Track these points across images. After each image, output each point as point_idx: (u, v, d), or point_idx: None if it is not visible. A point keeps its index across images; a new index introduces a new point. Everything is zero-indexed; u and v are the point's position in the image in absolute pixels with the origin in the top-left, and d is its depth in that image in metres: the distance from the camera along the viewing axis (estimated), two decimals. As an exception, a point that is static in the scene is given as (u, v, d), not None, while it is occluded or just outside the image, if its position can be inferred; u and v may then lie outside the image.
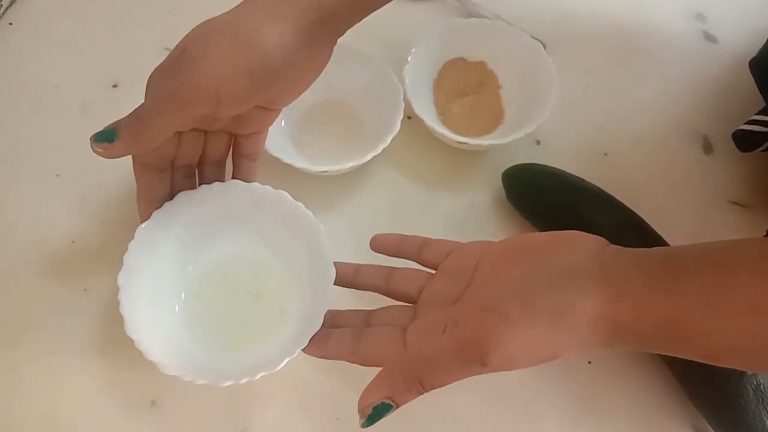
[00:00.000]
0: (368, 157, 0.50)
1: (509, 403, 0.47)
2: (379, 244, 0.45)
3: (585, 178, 0.52)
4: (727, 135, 0.57)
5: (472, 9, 0.62)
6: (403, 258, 0.44)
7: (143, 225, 0.45)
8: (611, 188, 0.51)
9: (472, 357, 0.34)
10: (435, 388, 0.35)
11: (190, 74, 0.38)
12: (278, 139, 0.53)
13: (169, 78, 0.39)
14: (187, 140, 0.44)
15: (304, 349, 0.41)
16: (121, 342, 0.41)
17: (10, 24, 0.61)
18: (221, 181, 0.47)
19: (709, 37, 0.65)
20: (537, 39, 0.57)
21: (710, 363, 0.35)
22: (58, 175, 0.54)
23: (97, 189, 0.53)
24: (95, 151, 0.39)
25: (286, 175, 0.50)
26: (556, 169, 0.53)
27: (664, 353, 0.35)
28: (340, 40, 0.45)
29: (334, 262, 0.44)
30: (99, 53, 0.60)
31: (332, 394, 0.47)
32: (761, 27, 0.56)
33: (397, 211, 0.54)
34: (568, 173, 0.52)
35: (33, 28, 0.61)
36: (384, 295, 0.43)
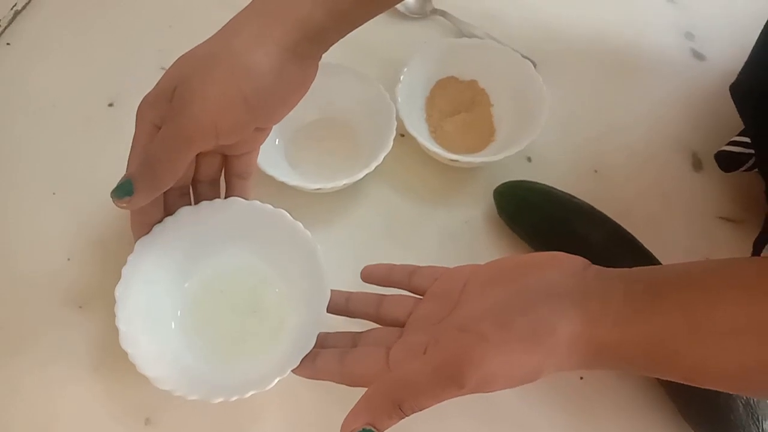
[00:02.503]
0: (361, 175, 0.51)
1: (502, 417, 0.47)
2: (369, 275, 0.45)
3: (576, 195, 0.53)
4: (715, 152, 0.58)
5: (464, 28, 0.63)
6: (394, 287, 0.44)
7: (143, 239, 0.45)
8: (602, 204, 0.52)
9: (450, 379, 0.34)
10: (415, 412, 0.35)
11: (189, 114, 0.39)
12: (273, 157, 0.53)
13: (168, 120, 0.40)
14: None
15: (294, 370, 0.41)
16: (116, 359, 0.41)
17: (8, 44, 0.62)
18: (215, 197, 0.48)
19: (698, 55, 0.66)
20: (528, 58, 0.58)
21: (693, 384, 0.35)
22: (54, 194, 0.54)
23: (93, 207, 0.53)
24: (119, 206, 0.40)
25: (280, 193, 0.50)
26: (546, 186, 0.53)
27: (647, 375, 0.35)
28: (333, 59, 0.46)
29: (332, 291, 0.44)
30: (95, 72, 0.61)
31: (326, 410, 0.47)
32: (749, 45, 0.57)
33: (391, 227, 0.55)
34: (559, 190, 0.53)
35: (30, 47, 0.62)
36: (375, 322, 0.43)
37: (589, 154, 0.59)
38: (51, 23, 0.63)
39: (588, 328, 0.34)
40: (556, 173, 0.57)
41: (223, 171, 0.47)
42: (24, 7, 0.63)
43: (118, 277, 0.44)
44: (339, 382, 0.40)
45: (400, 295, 0.43)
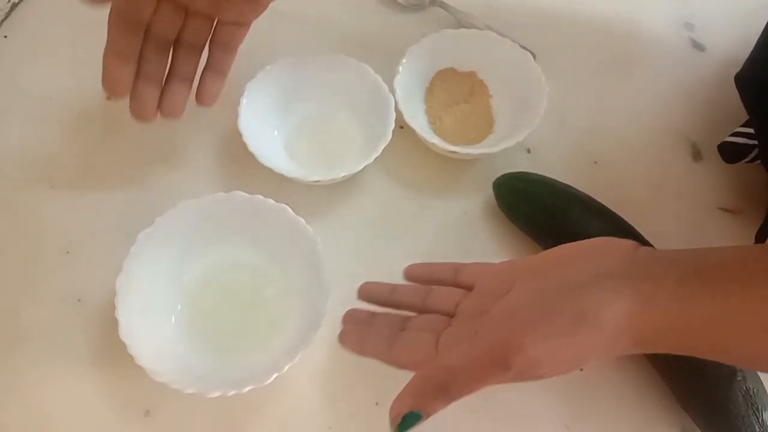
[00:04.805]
0: (360, 167, 0.51)
1: (502, 410, 0.47)
2: (411, 274, 0.45)
3: (575, 186, 0.52)
4: (716, 142, 0.58)
5: (463, 19, 0.63)
6: (438, 285, 0.44)
7: (145, 230, 0.45)
8: (601, 196, 0.52)
9: (496, 361, 0.34)
10: (462, 396, 0.35)
11: None
12: (271, 149, 0.53)
13: None
14: (166, 9, 0.45)
15: (341, 342, 0.41)
16: (116, 352, 0.41)
17: (5, 37, 0.61)
18: (192, 70, 0.48)
19: (698, 46, 0.66)
20: (527, 49, 0.57)
21: (747, 368, 0.35)
22: (52, 187, 0.54)
23: (91, 200, 0.53)
24: None
25: (279, 185, 0.50)
26: (546, 177, 0.53)
27: (696, 356, 0.36)
28: (332, 51, 0.46)
29: (370, 282, 0.43)
30: (93, 65, 0.60)
31: (326, 405, 0.47)
32: (748, 36, 0.57)
33: (390, 219, 0.55)
34: (558, 181, 0.53)
35: (28, 40, 0.62)
36: (420, 313, 0.43)
37: (588, 145, 0.59)
38: (49, 15, 0.63)
39: (640, 309, 0.34)
40: (556, 164, 0.57)
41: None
42: (21, 0, 0.63)
43: (117, 271, 0.44)
44: (386, 363, 0.40)
45: (448, 287, 0.43)
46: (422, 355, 0.38)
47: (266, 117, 0.54)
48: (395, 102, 0.53)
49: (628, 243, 0.38)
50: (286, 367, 0.41)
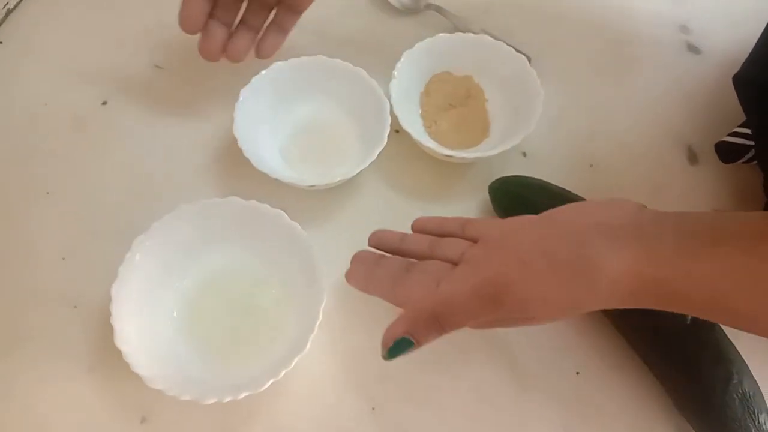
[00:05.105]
0: (356, 171, 0.51)
1: (498, 414, 0.47)
2: (421, 226, 0.46)
3: (571, 190, 0.52)
4: (712, 145, 0.58)
5: (458, 23, 0.63)
6: (447, 236, 0.44)
7: (140, 236, 0.45)
8: (597, 199, 0.52)
9: (487, 297, 0.36)
10: (454, 328, 0.37)
11: None
12: (267, 154, 0.53)
13: None
14: None
15: (348, 279, 0.43)
16: (112, 358, 0.41)
17: (0, 43, 0.61)
18: (260, 22, 0.53)
19: (693, 49, 0.66)
20: (522, 52, 0.57)
21: (738, 328, 0.35)
22: (48, 193, 0.54)
23: (87, 206, 0.53)
24: None
25: (274, 190, 0.50)
26: (542, 180, 0.53)
27: (693, 315, 0.36)
28: (327, 55, 0.46)
29: (382, 230, 0.46)
30: (89, 70, 0.60)
31: (322, 411, 0.47)
32: (744, 38, 0.57)
33: (386, 223, 0.54)
34: (554, 185, 0.53)
35: (22, 46, 0.62)
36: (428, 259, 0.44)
37: (584, 148, 0.59)
38: (44, 21, 0.63)
39: (638, 262, 0.34)
40: (552, 168, 0.57)
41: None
42: (16, 6, 0.63)
43: (113, 277, 0.44)
44: (387, 301, 0.41)
45: (455, 239, 0.43)
46: (422, 295, 0.39)
47: (262, 122, 0.54)
48: (390, 106, 0.53)
49: (634, 203, 0.39)
50: (282, 373, 0.41)
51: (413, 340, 0.37)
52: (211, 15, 0.51)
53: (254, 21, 0.53)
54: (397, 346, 0.37)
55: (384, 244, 0.45)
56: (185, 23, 0.50)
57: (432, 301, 0.37)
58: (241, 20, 0.53)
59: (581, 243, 0.36)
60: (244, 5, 0.53)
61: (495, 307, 0.36)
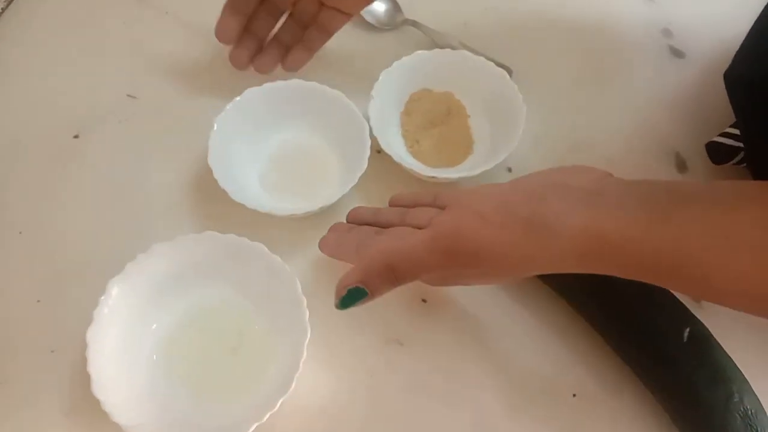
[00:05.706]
0: (337, 197, 0.49)
1: (494, 442, 0.46)
2: (397, 199, 0.48)
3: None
4: (699, 150, 0.57)
5: (437, 38, 0.62)
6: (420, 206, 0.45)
7: (114, 278, 0.43)
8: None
9: (443, 246, 0.36)
10: (408, 280, 0.37)
11: None
12: (244, 184, 0.52)
13: None
14: None
15: (320, 247, 0.46)
16: (89, 404, 0.40)
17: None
18: (291, 39, 0.56)
19: (677, 53, 0.65)
20: (503, 66, 0.56)
21: (700, 298, 0.35)
22: (20, 233, 0.52)
23: (61, 246, 0.52)
24: None
25: (254, 220, 0.49)
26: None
27: (649, 282, 0.35)
28: (303, 77, 0.51)
29: (359, 207, 0.48)
30: (60, 104, 0.59)
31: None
32: (727, 39, 0.56)
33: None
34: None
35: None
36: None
37: (569, 160, 0.57)
38: (14, 55, 0.61)
39: (597, 223, 0.34)
40: (538, 183, 0.55)
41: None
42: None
43: (89, 320, 0.42)
44: (352, 264, 0.41)
45: (426, 207, 0.44)
46: (380, 249, 0.40)
47: (238, 151, 0.53)
48: (370, 129, 0.52)
49: (600, 170, 0.39)
50: (266, 416, 0.39)
51: (367, 290, 0.37)
52: (246, 28, 0.55)
53: (286, 37, 0.57)
54: (350, 296, 0.37)
55: (360, 217, 0.47)
56: (220, 35, 0.54)
57: (387, 252, 0.38)
58: (274, 36, 0.57)
59: (539, 200, 0.36)
60: (281, 22, 0.56)
61: (448, 258, 0.36)
